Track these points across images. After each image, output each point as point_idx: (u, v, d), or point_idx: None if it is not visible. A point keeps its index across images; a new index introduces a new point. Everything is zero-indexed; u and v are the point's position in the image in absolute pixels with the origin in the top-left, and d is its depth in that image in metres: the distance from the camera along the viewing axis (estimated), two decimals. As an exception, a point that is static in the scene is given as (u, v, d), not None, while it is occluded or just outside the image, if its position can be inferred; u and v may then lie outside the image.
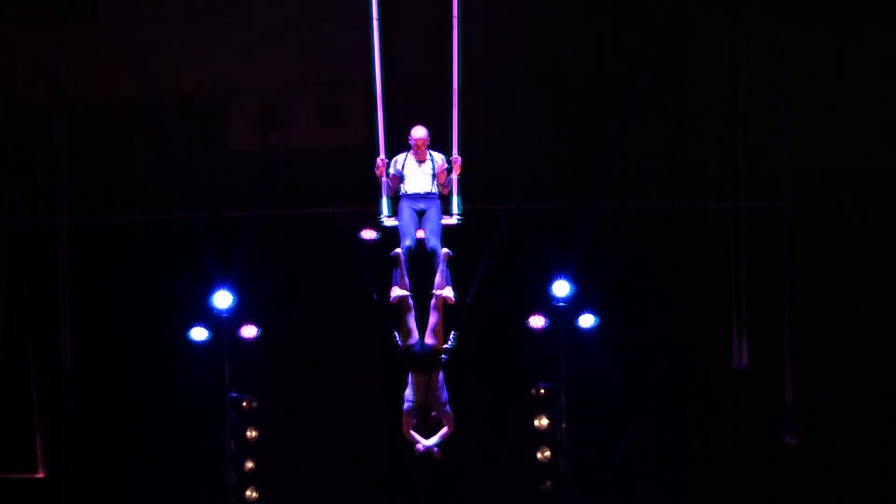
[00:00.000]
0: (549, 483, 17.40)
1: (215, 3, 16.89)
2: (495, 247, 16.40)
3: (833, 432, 17.03)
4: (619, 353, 17.35)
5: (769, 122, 16.46)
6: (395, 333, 12.28)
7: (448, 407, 12.29)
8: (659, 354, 17.36)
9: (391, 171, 12.48)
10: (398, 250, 12.24)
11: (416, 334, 12.17)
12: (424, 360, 12.09)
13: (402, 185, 12.50)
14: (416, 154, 12.50)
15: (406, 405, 12.25)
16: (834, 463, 17.09)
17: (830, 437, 17.00)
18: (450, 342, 12.25)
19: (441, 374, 12.20)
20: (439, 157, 12.53)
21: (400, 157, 12.54)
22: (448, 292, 12.16)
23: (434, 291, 12.16)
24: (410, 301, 12.19)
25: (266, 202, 17.05)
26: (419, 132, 12.47)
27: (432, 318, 12.17)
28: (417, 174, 12.47)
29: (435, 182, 12.50)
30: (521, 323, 17.35)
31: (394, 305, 12.30)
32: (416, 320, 12.23)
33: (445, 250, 12.29)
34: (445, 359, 12.18)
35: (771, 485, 17.19)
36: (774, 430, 16.55)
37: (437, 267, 12.21)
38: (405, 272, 12.18)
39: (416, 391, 12.18)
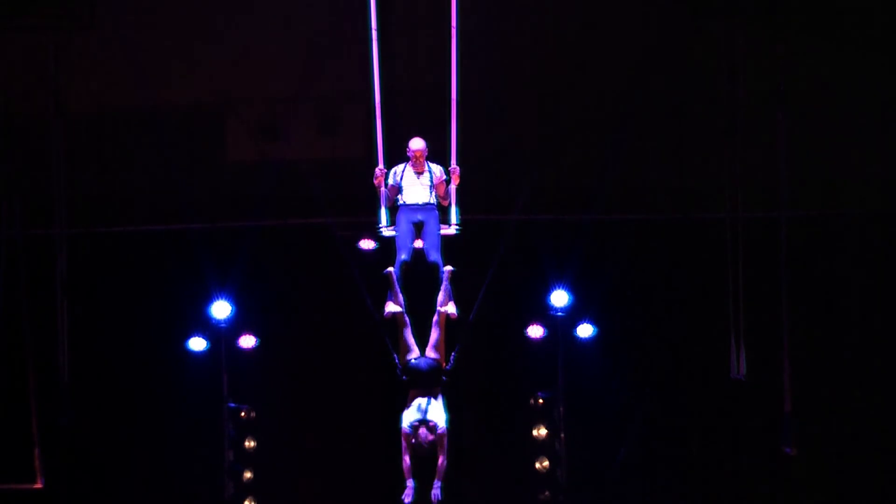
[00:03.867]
0: (547, 493, 17.40)
1: (214, 14, 16.91)
2: (497, 263, 16.41)
3: (831, 442, 17.04)
4: (618, 362, 17.36)
5: (766, 133, 16.47)
6: (395, 355, 12.23)
7: (445, 430, 12.14)
8: (657, 364, 17.37)
9: (390, 181, 12.50)
10: (390, 269, 12.24)
11: (415, 349, 12.13)
12: (427, 376, 12.00)
13: (400, 195, 12.52)
14: (414, 165, 12.52)
15: (404, 428, 12.10)
16: (832, 472, 17.10)
17: (829, 446, 17.01)
18: (450, 363, 12.21)
19: (441, 396, 12.10)
20: (437, 169, 12.55)
21: (398, 169, 12.56)
22: (451, 308, 12.15)
23: (438, 308, 12.15)
24: (406, 317, 12.17)
25: (264, 212, 17.07)
26: (417, 143, 12.50)
27: (434, 334, 12.14)
28: (416, 185, 12.49)
29: (433, 193, 12.52)
30: (520, 333, 17.36)
31: (388, 321, 12.29)
32: (415, 335, 12.21)
33: (448, 267, 12.30)
34: (445, 379, 12.11)
35: (770, 495, 17.20)
36: (774, 440, 16.56)
37: (440, 284, 12.20)
38: (398, 290, 12.17)
39: (415, 410, 12.05)
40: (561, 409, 17.30)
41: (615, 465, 17.32)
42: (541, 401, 17.44)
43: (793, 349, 15.88)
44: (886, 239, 17.39)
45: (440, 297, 12.15)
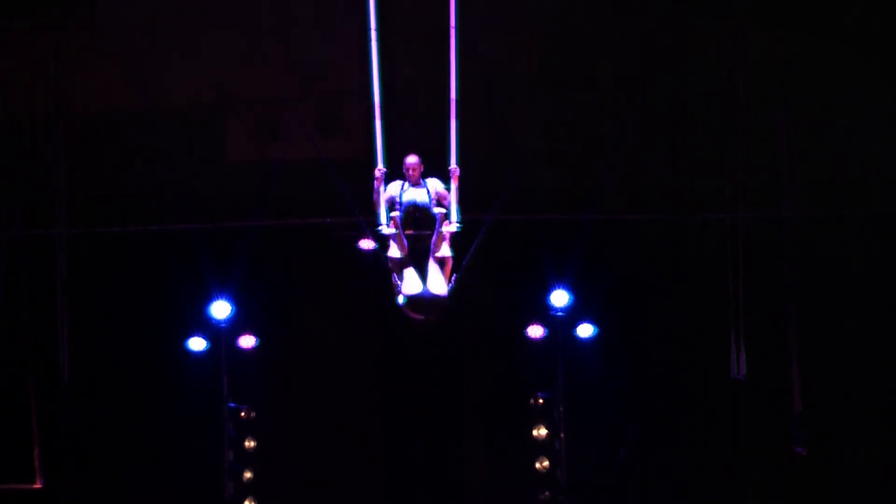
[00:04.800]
0: (547, 493, 17.39)
1: (214, 14, 16.92)
2: (497, 264, 16.39)
3: (832, 442, 17.03)
4: (618, 362, 17.36)
5: (768, 132, 16.48)
6: (394, 277, 12.24)
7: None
8: (657, 364, 17.37)
9: (389, 193, 12.42)
10: (395, 213, 12.22)
11: (419, 285, 12.17)
12: (429, 303, 12.10)
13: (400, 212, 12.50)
14: (410, 180, 12.51)
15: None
16: (831, 472, 17.10)
17: (829, 446, 17.00)
18: (450, 284, 12.25)
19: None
20: (435, 183, 12.50)
21: (395, 185, 12.46)
22: (445, 251, 12.22)
23: (433, 254, 12.18)
24: (410, 260, 12.23)
25: (264, 212, 17.07)
26: (410, 159, 12.48)
27: (432, 270, 12.18)
28: (415, 199, 12.48)
29: (433, 206, 12.47)
30: (520, 333, 17.36)
31: (393, 259, 12.29)
32: (418, 273, 12.23)
33: (440, 209, 12.25)
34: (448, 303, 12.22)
35: (772, 495, 17.19)
36: (774, 440, 16.57)
37: (435, 229, 12.25)
38: (402, 235, 12.21)
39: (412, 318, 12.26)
40: (561, 409, 17.29)
41: (615, 465, 17.32)
42: (541, 401, 17.43)
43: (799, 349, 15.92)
44: (887, 239, 17.38)
45: (433, 239, 12.20)
